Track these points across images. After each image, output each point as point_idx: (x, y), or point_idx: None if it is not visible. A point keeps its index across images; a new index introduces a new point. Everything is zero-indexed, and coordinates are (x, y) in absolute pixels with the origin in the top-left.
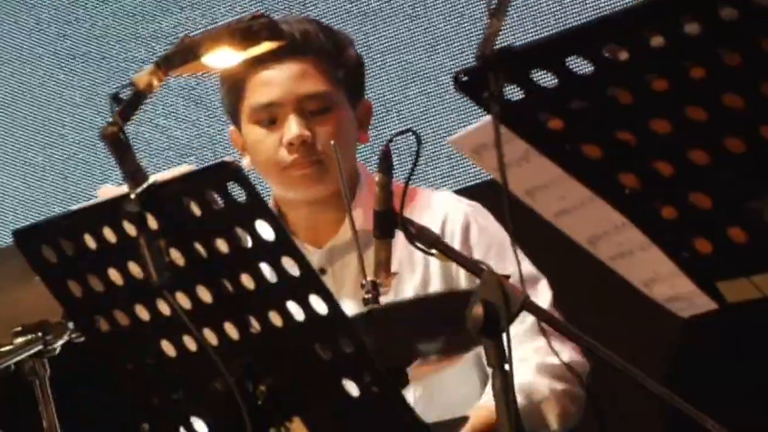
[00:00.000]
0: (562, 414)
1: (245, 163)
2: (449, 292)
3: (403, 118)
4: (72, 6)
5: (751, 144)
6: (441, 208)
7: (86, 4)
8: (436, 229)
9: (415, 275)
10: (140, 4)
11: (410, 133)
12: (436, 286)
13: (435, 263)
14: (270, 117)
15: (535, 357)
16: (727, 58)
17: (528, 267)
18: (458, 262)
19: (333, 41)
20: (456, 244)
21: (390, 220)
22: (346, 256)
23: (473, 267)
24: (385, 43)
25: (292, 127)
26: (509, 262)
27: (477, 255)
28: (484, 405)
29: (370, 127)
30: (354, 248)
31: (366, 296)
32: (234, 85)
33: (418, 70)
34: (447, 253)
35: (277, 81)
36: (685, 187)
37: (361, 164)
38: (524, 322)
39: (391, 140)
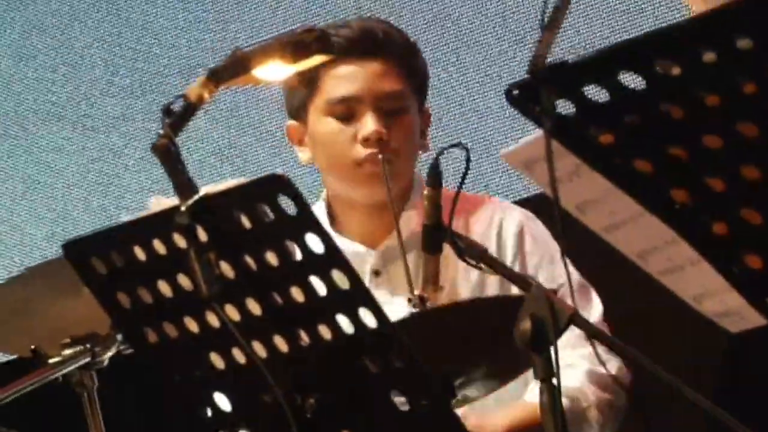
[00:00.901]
0: (604, 423)
1: (303, 158)
2: (496, 297)
3: (455, 130)
4: (124, 18)
5: None
6: (494, 215)
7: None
8: (489, 236)
9: (471, 276)
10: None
11: (460, 146)
12: (492, 287)
13: None
14: (347, 111)
15: (584, 364)
16: None
17: (578, 278)
18: (506, 275)
19: (409, 46)
20: (509, 252)
21: (438, 234)
22: (395, 261)
23: (521, 281)
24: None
25: (369, 123)
26: (560, 271)
27: (530, 263)
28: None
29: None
30: (410, 250)
31: (414, 311)
32: (309, 77)
33: (472, 82)
34: (494, 266)
35: (358, 76)
36: (736, 203)
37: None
38: (574, 329)
39: (440, 153)
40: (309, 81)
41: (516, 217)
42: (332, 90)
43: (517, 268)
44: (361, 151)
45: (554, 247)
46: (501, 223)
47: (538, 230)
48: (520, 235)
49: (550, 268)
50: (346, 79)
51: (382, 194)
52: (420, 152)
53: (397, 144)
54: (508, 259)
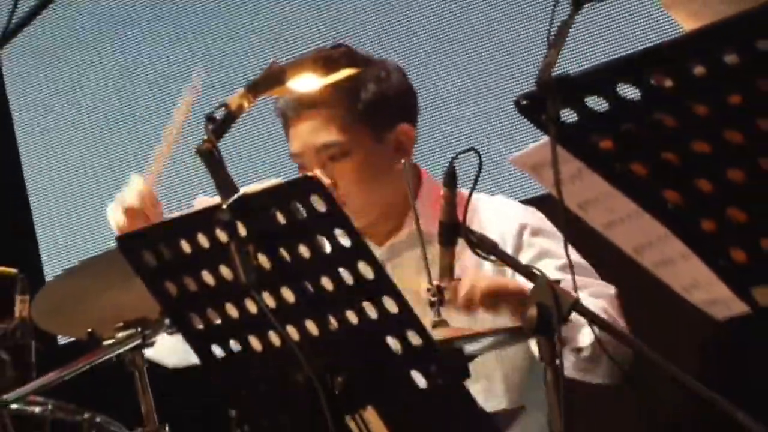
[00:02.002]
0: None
1: None
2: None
3: (468, 136)
4: (171, 31)
5: None
6: (496, 212)
7: (182, 31)
8: (491, 231)
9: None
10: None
11: (473, 152)
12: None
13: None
14: (302, 164)
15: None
16: (762, 86)
17: (579, 260)
18: (514, 267)
19: (347, 85)
20: (509, 244)
21: (454, 230)
22: (403, 254)
23: (527, 272)
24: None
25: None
26: (560, 254)
27: (530, 253)
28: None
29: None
30: (410, 247)
31: (432, 299)
32: (286, 134)
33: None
34: (504, 258)
35: (297, 134)
36: (723, 202)
37: (424, 171)
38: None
39: (455, 158)
40: (287, 136)
41: (515, 213)
42: (290, 148)
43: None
44: None
45: (558, 236)
46: (501, 219)
47: (539, 224)
48: (520, 232)
49: (549, 256)
50: (292, 138)
51: (359, 223)
52: (403, 161)
53: (345, 186)
54: (510, 251)
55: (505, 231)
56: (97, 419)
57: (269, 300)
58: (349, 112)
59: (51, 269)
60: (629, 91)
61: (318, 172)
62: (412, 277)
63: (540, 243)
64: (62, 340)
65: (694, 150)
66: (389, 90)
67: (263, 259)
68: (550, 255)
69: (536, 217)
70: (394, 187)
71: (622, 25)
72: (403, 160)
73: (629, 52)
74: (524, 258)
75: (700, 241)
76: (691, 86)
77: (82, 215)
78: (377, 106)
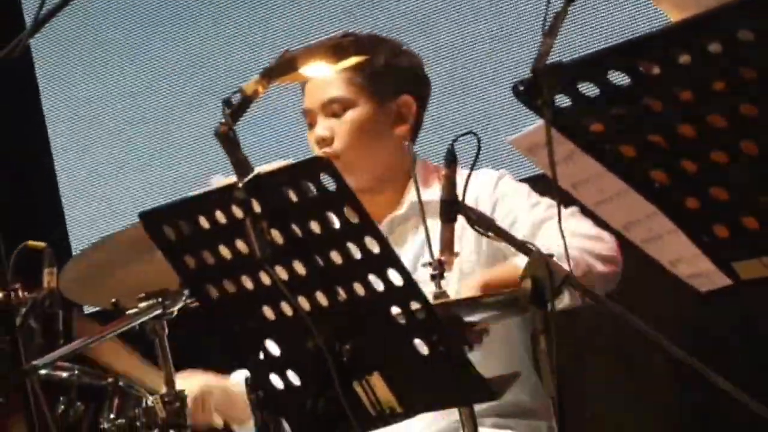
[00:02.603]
0: (588, 270)
1: None
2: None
3: (466, 120)
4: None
5: (764, 146)
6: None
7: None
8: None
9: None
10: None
11: (472, 134)
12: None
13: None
14: (310, 120)
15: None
16: (744, 73)
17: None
18: (509, 242)
19: (365, 53)
20: (487, 202)
21: (454, 207)
22: (400, 228)
23: (522, 247)
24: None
25: (316, 128)
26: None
27: (504, 205)
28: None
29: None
30: (408, 222)
31: (433, 272)
32: (303, 92)
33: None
34: (500, 234)
35: (309, 91)
36: (707, 182)
37: (415, 153)
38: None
39: (455, 140)
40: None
41: (488, 178)
42: (303, 104)
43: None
44: (318, 152)
45: (523, 190)
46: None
47: (509, 182)
48: (495, 187)
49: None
50: (306, 94)
51: (351, 182)
52: (403, 139)
53: (341, 138)
54: (488, 204)
55: (480, 191)
56: (121, 383)
57: (282, 272)
58: (357, 74)
59: (77, 244)
60: (619, 78)
61: (320, 124)
62: (410, 252)
63: (512, 184)
64: (88, 309)
65: (680, 133)
66: (399, 63)
67: (276, 234)
68: (520, 193)
69: (502, 172)
70: (388, 153)
71: (614, 16)
72: (406, 142)
73: (619, 41)
74: (502, 200)
75: (685, 219)
76: (677, 73)
77: (106, 193)
78: (383, 74)
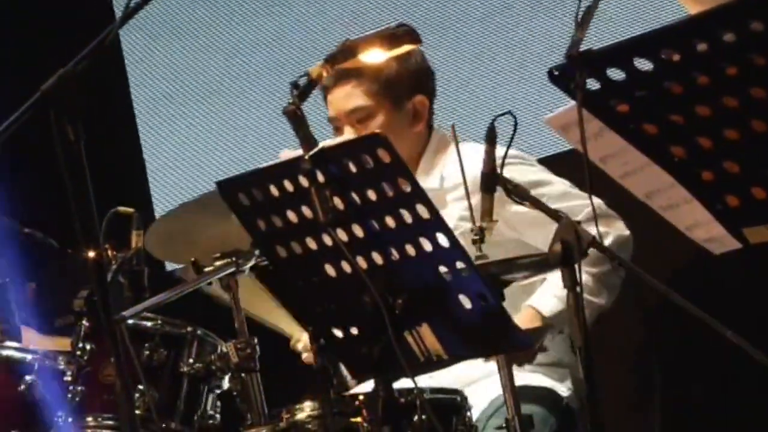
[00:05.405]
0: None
1: None
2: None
3: (508, 99)
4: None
5: None
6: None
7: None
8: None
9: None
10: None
11: (509, 114)
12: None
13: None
14: (336, 126)
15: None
16: (755, 60)
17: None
18: (542, 209)
19: (378, 65)
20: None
21: (493, 178)
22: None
23: (553, 214)
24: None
25: (345, 134)
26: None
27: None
28: (530, 305)
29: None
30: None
31: (475, 237)
32: (325, 101)
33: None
34: (534, 203)
35: (333, 101)
36: (720, 157)
37: (434, 133)
38: None
39: (495, 119)
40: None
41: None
42: (328, 113)
43: None
44: None
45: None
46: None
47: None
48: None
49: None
50: (329, 105)
51: None
52: (419, 134)
53: None
54: None
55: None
56: (198, 332)
57: (342, 235)
58: (374, 83)
59: (160, 209)
60: (643, 64)
61: (347, 131)
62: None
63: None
64: (170, 267)
65: (697, 113)
66: (408, 68)
67: (337, 201)
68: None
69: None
70: (408, 148)
71: (639, 9)
72: (452, 124)
73: (643, 31)
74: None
75: (701, 189)
76: (695, 60)
77: (186, 161)
78: (396, 80)
